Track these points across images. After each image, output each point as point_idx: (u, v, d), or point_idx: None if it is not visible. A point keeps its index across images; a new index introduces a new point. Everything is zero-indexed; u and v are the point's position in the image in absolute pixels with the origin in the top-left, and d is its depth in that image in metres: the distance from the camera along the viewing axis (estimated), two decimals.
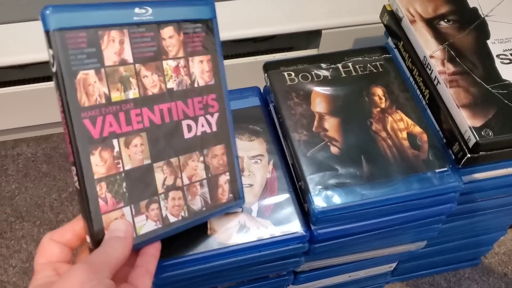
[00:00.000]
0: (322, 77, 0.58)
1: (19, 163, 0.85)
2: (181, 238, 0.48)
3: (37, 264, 0.39)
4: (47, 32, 0.37)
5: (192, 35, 0.45)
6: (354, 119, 0.55)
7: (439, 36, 0.57)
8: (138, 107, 0.42)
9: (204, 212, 0.46)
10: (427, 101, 0.56)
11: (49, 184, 0.83)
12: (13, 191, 0.82)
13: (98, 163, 0.40)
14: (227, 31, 0.78)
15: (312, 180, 0.51)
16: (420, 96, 0.58)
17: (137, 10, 0.42)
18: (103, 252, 0.38)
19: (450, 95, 0.52)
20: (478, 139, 0.49)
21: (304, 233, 0.50)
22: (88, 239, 0.40)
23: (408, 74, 0.59)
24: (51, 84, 0.79)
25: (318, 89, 0.57)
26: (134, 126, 0.42)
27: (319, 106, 0.56)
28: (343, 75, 0.59)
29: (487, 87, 0.53)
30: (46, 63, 0.80)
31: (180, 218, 0.44)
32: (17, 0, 0.75)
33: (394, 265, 0.69)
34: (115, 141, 0.41)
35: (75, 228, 0.41)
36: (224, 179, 0.47)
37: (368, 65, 0.60)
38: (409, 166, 0.52)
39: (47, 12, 0.37)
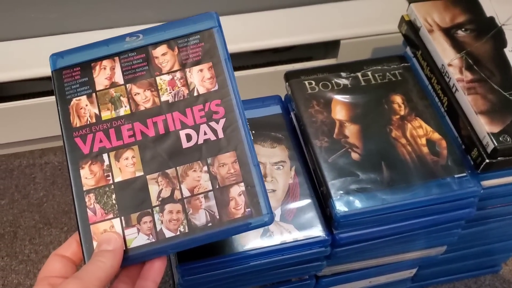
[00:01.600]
0: (342, 85, 0.60)
1: (46, 172, 0.88)
2: None
3: (37, 279, 0.40)
4: (51, 72, 0.46)
5: (189, 47, 0.45)
6: (374, 126, 0.57)
7: (457, 45, 0.58)
8: (129, 122, 0.44)
9: (211, 228, 0.41)
10: (445, 108, 0.58)
11: None
12: (41, 198, 0.84)
13: (88, 176, 0.43)
14: (248, 42, 0.80)
15: (334, 185, 0.52)
16: (439, 103, 0.59)
17: (127, 39, 0.46)
18: (92, 266, 0.38)
19: (468, 102, 0.54)
20: (496, 144, 0.50)
21: (326, 237, 0.52)
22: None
23: (427, 82, 0.61)
24: None
25: (338, 97, 0.59)
26: (125, 140, 0.44)
27: (339, 113, 0.57)
28: (363, 83, 0.60)
29: (505, 94, 0.54)
30: None
31: (178, 233, 0.41)
32: (46, 14, 0.79)
33: (414, 271, 0.70)
34: (105, 156, 0.43)
35: (78, 239, 0.42)
36: (237, 190, 0.42)
37: (387, 73, 0.61)
38: (428, 172, 0.53)
39: (51, 57, 0.46)
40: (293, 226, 0.53)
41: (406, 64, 0.62)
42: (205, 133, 0.43)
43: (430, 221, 0.54)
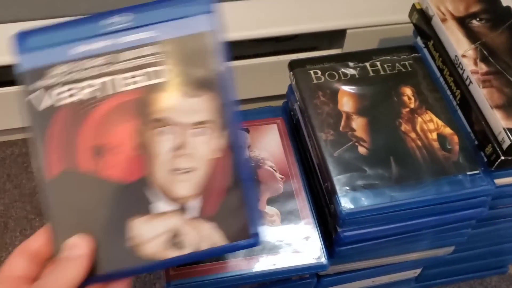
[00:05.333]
0: (349, 76, 0.57)
1: None
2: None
3: None
4: None
5: None
6: (382, 119, 0.54)
7: (471, 35, 0.55)
8: None
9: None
10: (458, 102, 0.55)
11: None
12: (34, 188, 0.82)
13: None
14: (249, 30, 0.77)
15: (339, 181, 0.49)
16: (451, 96, 0.56)
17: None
18: (51, 277, 0.33)
19: (483, 96, 0.51)
20: None
21: (255, 241, 0.36)
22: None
23: (438, 74, 0.58)
24: None
25: (345, 88, 0.56)
26: None
27: (346, 105, 0.54)
28: (371, 74, 0.57)
29: None
30: None
31: None
32: None
33: (419, 271, 0.67)
34: None
35: (47, 232, 0.36)
36: None
37: (397, 64, 0.58)
38: (439, 168, 0.51)
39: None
40: (215, 225, 0.36)
41: (416, 54, 0.59)
42: None
43: (439, 220, 0.51)
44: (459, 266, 0.71)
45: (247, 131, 0.57)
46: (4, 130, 0.85)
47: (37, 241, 0.36)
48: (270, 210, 0.53)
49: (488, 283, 0.77)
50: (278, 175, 0.55)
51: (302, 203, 0.53)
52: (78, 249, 0.35)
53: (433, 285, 0.75)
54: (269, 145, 0.57)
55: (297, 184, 0.55)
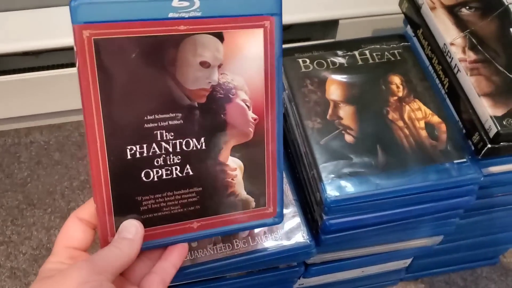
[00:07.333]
0: (338, 64, 0.56)
1: (32, 151, 0.85)
2: None
3: (56, 246, 0.38)
4: None
5: None
6: (370, 108, 0.53)
7: (460, 24, 0.55)
8: None
9: None
10: (446, 90, 0.54)
11: (61, 172, 0.82)
12: (25, 178, 0.82)
13: None
14: None
15: (325, 168, 0.49)
16: (439, 85, 0.56)
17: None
18: (109, 252, 0.36)
19: (470, 84, 0.50)
20: (499, 128, 0.47)
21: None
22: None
23: (427, 62, 0.58)
24: (65, 72, 0.79)
25: (333, 76, 0.55)
26: None
27: (334, 93, 0.54)
28: (360, 62, 0.57)
29: (510, 75, 0.51)
30: (60, 50, 0.79)
31: None
32: None
33: (408, 261, 0.67)
34: None
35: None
36: None
37: (386, 53, 0.58)
38: (426, 156, 0.50)
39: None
40: None
41: (406, 43, 0.59)
42: None
43: (426, 209, 0.51)
44: (449, 256, 0.71)
45: (221, 38, 0.38)
46: None
47: (89, 209, 0.39)
48: (232, 162, 0.40)
49: (479, 274, 0.77)
50: (251, 114, 0.40)
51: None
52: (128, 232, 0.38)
53: (424, 276, 0.75)
54: (247, 64, 0.39)
55: (271, 128, 0.41)
